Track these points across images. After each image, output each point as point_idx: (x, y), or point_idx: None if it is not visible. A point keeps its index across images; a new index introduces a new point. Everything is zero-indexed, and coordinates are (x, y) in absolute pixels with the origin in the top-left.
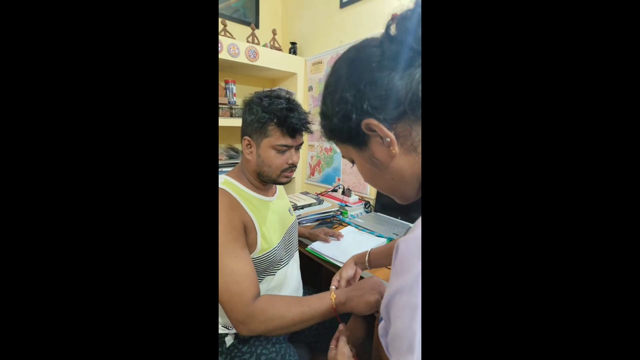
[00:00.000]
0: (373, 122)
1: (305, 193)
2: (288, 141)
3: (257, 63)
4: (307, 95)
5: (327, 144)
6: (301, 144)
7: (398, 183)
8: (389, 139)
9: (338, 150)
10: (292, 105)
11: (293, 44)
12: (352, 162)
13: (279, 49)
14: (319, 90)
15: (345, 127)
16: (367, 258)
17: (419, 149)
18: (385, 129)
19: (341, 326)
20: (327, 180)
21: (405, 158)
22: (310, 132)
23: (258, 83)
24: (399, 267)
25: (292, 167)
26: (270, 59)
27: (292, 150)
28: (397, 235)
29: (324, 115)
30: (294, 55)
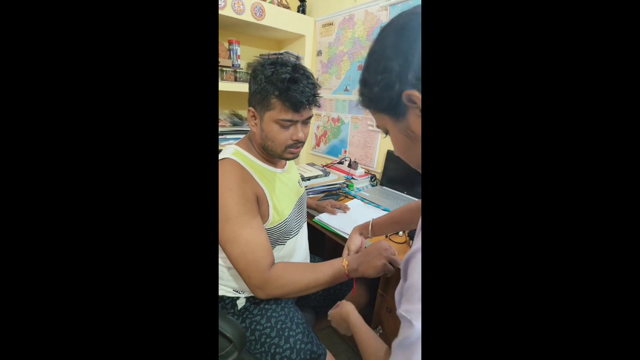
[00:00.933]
0: (415, 93)
1: (311, 164)
2: (291, 115)
3: (263, 22)
4: (315, 60)
5: (335, 114)
6: (309, 117)
7: None
8: None
9: (346, 120)
10: (297, 76)
11: (302, 1)
12: (386, 132)
13: (287, 7)
14: (328, 55)
15: (385, 96)
16: (370, 228)
17: None
18: None
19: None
20: (333, 151)
21: None
22: (318, 105)
23: (264, 45)
24: (406, 292)
25: (298, 143)
26: (277, 18)
27: (298, 125)
28: None
29: (364, 83)
30: (302, 15)
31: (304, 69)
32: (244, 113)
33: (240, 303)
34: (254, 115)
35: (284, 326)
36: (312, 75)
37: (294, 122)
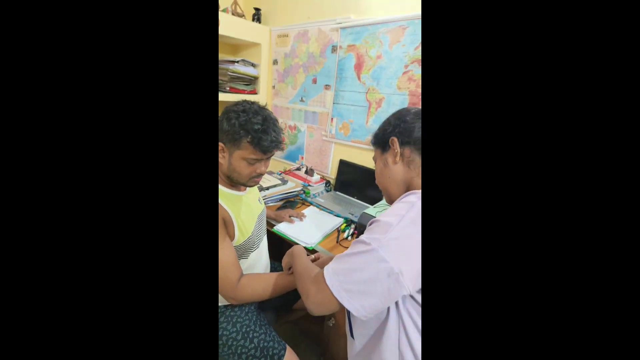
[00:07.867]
0: (395, 140)
1: (270, 173)
2: (259, 156)
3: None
4: (271, 69)
5: (291, 122)
6: (272, 154)
7: (391, 183)
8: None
9: (302, 129)
10: (266, 126)
11: (257, 10)
12: (375, 160)
13: (242, 15)
14: (284, 66)
15: (380, 135)
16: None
17: (411, 166)
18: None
19: None
20: (290, 157)
21: (402, 167)
22: (281, 149)
23: (220, 50)
24: (372, 229)
25: (261, 175)
26: (232, 27)
27: (263, 162)
28: (352, 214)
29: (377, 130)
30: (258, 24)
31: (272, 118)
32: None
33: None
34: (222, 149)
35: (248, 329)
36: (277, 122)
37: (259, 160)
